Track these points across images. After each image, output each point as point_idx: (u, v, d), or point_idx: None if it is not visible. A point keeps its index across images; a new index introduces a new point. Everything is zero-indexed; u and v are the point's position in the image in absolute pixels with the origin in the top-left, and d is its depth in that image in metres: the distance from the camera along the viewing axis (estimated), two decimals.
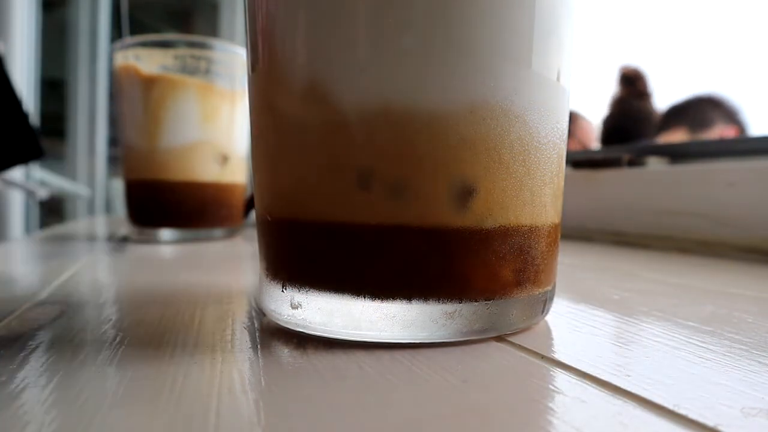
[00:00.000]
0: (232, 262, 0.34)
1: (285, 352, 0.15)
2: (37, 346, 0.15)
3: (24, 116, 0.51)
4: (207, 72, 0.44)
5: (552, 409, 0.11)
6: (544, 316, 0.18)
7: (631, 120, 1.08)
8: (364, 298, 0.15)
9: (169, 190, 0.44)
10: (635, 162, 0.50)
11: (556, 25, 0.16)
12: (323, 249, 0.15)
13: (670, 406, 0.11)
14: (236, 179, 0.47)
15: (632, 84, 1.12)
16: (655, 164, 0.50)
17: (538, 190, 0.16)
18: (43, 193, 0.98)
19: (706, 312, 0.20)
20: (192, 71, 0.43)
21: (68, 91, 1.68)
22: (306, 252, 0.16)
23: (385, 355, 0.14)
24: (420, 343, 0.15)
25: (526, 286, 0.16)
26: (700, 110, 0.99)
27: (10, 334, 0.16)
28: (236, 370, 0.13)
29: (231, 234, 0.48)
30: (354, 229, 0.15)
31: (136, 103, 0.43)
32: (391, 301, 0.15)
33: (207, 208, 0.45)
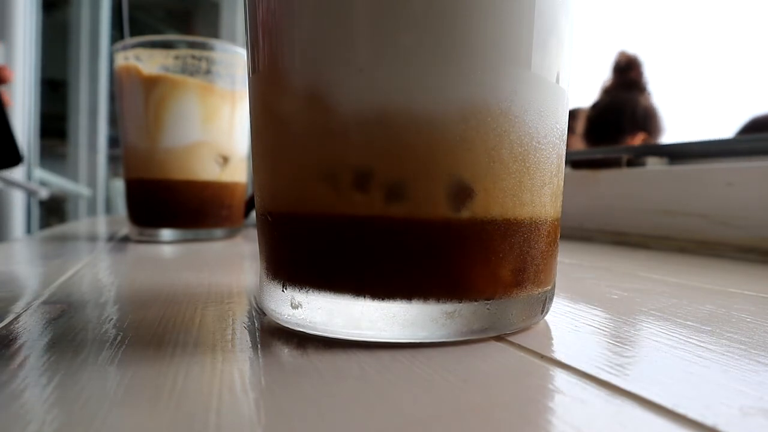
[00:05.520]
0: (233, 262, 0.34)
1: (285, 352, 0.15)
2: (38, 346, 0.15)
3: (6, 123, 0.51)
4: (207, 72, 0.44)
5: (551, 409, 0.11)
6: (544, 315, 0.18)
7: (616, 113, 0.98)
8: (364, 297, 0.15)
9: (170, 190, 0.44)
10: (635, 162, 0.50)
11: (556, 27, 0.16)
12: (323, 249, 0.15)
13: (669, 406, 0.11)
14: (236, 179, 0.47)
15: (623, 73, 1.02)
16: (654, 164, 0.50)
17: (538, 191, 0.16)
18: (44, 193, 0.98)
19: (705, 311, 0.20)
20: (193, 72, 0.43)
21: (69, 91, 1.68)
22: (306, 252, 0.16)
23: (385, 355, 0.14)
24: (420, 342, 0.15)
25: (525, 286, 0.16)
26: None
27: (12, 334, 0.16)
28: (237, 369, 0.13)
29: (231, 234, 0.48)
30: (354, 229, 0.15)
31: (137, 104, 0.43)
32: (391, 301, 0.15)
33: (207, 208, 0.45)
